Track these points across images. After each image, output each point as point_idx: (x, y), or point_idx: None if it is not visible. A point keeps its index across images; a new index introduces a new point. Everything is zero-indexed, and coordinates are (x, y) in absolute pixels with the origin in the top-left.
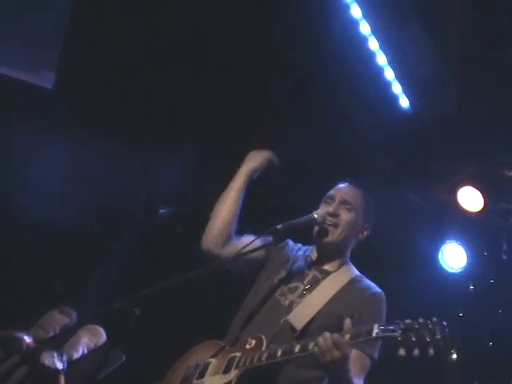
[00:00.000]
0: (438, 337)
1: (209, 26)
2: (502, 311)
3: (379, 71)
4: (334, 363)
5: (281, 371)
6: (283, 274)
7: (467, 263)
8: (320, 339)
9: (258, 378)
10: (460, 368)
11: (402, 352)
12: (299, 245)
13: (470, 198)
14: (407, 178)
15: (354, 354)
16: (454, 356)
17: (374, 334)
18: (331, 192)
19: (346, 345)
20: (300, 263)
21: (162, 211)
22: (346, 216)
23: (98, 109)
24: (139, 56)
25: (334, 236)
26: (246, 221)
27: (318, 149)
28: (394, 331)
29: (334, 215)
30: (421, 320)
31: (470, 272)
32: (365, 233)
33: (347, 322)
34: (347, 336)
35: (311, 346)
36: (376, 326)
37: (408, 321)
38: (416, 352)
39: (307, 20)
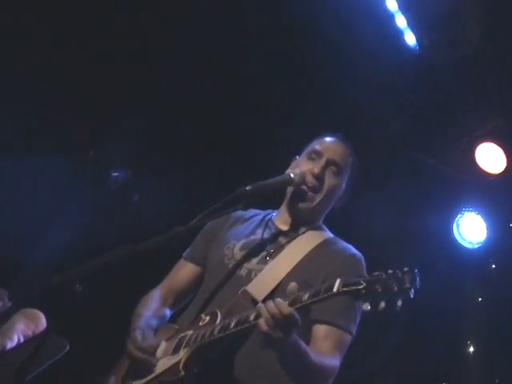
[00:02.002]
0: (407, 286)
1: None
2: None
3: (380, 0)
4: (286, 327)
5: (239, 348)
6: (235, 242)
7: (487, 236)
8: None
9: (211, 355)
10: (478, 363)
11: (366, 307)
12: (254, 211)
13: (491, 158)
14: (415, 134)
15: (322, 330)
16: (471, 349)
17: (335, 290)
18: (317, 147)
19: (292, 309)
20: (258, 229)
21: (115, 175)
22: (330, 181)
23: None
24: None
25: (312, 203)
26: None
27: (305, 95)
28: (357, 284)
29: (318, 177)
30: (390, 270)
31: (490, 247)
32: (343, 199)
33: (291, 286)
34: (306, 295)
35: None
36: (338, 280)
37: (376, 273)
38: (382, 305)
39: None
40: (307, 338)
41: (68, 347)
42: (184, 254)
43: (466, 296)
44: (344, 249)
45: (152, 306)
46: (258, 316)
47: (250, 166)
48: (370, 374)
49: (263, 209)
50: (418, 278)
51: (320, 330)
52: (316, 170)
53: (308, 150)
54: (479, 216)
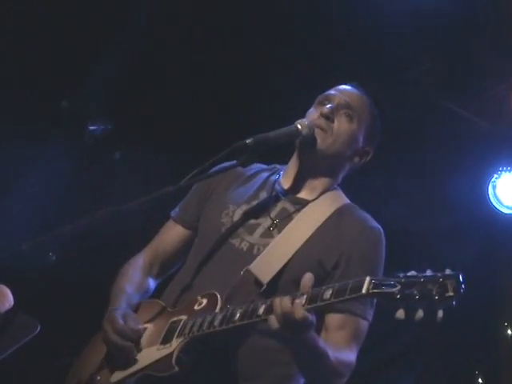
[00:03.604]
0: (450, 294)
1: None
2: None
3: None
4: (301, 327)
5: (240, 340)
6: (235, 207)
7: None
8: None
9: (208, 349)
10: None
11: (400, 315)
12: (257, 165)
13: None
14: (443, 81)
15: (336, 319)
16: (510, 332)
17: (364, 291)
18: (329, 91)
19: (307, 313)
20: (261, 191)
21: (92, 128)
22: (343, 125)
23: None
24: None
25: (324, 144)
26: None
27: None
28: (391, 286)
29: (327, 117)
30: (429, 272)
31: None
32: (363, 158)
33: (306, 278)
34: (328, 293)
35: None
36: (368, 278)
37: (412, 273)
38: (419, 315)
39: None
40: (319, 325)
41: (39, 328)
42: (172, 214)
43: (504, 269)
44: (362, 220)
45: (135, 278)
46: (268, 310)
47: (252, 118)
48: (390, 360)
49: (268, 163)
50: (462, 285)
51: (333, 319)
52: (324, 110)
53: (318, 98)
54: None
